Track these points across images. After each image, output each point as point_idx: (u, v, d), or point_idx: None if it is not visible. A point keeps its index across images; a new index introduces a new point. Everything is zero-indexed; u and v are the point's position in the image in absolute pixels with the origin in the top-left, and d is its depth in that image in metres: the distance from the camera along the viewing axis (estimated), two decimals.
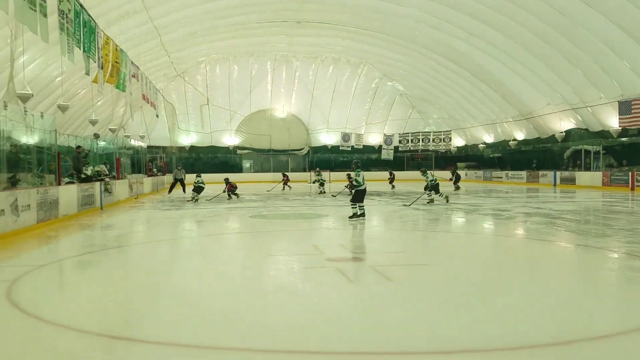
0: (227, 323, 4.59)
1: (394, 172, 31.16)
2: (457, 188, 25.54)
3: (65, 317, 4.83)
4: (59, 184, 13.67)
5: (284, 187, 28.11)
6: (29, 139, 14.77)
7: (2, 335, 4.42)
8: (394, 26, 28.74)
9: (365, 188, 12.76)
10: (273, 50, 37.00)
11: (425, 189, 17.19)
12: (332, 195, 21.67)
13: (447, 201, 17.11)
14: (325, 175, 33.35)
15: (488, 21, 24.31)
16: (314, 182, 24.94)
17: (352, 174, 13.77)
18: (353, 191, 13.15)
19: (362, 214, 12.57)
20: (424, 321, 4.62)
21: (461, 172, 42.08)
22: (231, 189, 20.80)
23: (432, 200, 16.86)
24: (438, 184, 17.14)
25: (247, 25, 29.59)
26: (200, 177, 20.16)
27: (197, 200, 19.54)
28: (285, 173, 30.42)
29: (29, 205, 10.90)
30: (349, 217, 12.66)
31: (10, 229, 9.91)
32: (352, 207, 12.71)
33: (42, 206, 11.61)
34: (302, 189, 29.24)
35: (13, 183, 12.63)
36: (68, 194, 13.68)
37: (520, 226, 12.05)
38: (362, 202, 12.64)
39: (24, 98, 14.95)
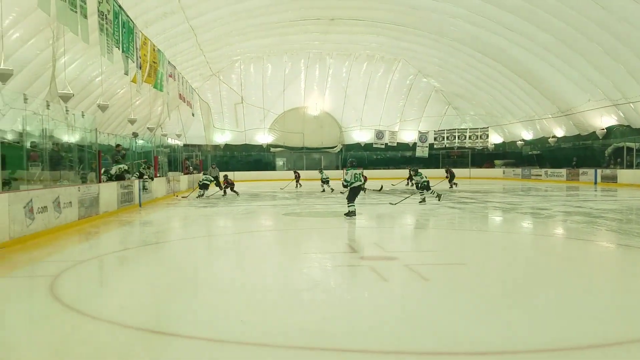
0: (262, 320, 4.61)
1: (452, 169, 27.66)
2: (452, 186, 25.08)
3: (105, 312, 4.94)
4: (100, 182, 14.01)
5: (297, 185, 28.11)
6: (70, 137, 15.19)
7: (46, 329, 4.54)
8: (429, 22, 28.38)
9: (358, 186, 12.77)
10: (306, 48, 37.06)
11: (417, 187, 16.79)
12: (341, 192, 21.30)
13: (439, 199, 16.66)
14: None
15: (526, 16, 23.73)
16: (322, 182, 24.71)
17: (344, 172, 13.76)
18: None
19: (350, 213, 12.51)
20: (461, 322, 4.54)
21: (498, 170, 41.48)
22: (228, 185, 21.30)
23: (424, 200, 16.31)
24: (428, 181, 16.80)
25: (281, 24, 29.72)
26: (206, 174, 20.90)
27: (201, 195, 20.34)
28: (297, 171, 30.32)
29: (70, 202, 11.20)
30: (344, 214, 12.65)
31: (52, 225, 10.21)
32: (348, 206, 12.64)
33: (83, 203, 11.93)
34: (338, 187, 29.19)
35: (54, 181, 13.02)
36: (108, 191, 14.01)
37: (560, 225, 11.74)
38: (351, 201, 12.62)
39: (65, 98, 15.38)
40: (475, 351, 3.85)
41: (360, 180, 12.87)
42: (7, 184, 10.87)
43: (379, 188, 20.06)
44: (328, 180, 24.67)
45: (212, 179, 22.37)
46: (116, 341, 4.17)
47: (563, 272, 6.77)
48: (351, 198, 12.68)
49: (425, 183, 16.49)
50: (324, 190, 23.89)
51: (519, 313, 4.77)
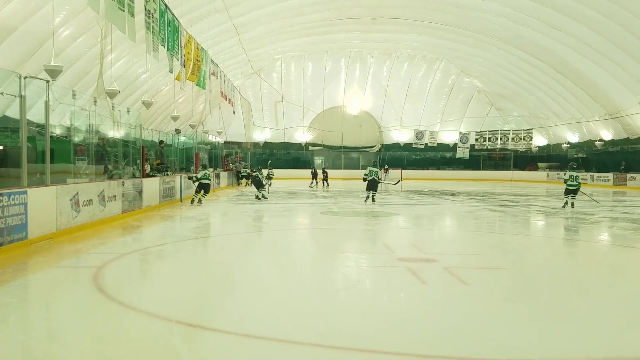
0: (298, 318, 4.63)
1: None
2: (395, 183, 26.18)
3: (145, 304, 5.06)
4: (143, 177, 14.34)
5: (324, 184, 28.09)
6: (116, 133, 15.61)
7: (88, 319, 4.68)
8: (473, 20, 27.85)
9: (372, 179, 16.87)
10: (347, 47, 36.97)
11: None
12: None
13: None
14: (397, 173, 33.12)
15: (573, 15, 22.99)
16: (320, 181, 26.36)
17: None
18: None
19: (366, 198, 17.05)
20: (498, 329, 4.44)
21: (542, 173, 40.38)
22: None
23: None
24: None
25: (322, 23, 29.72)
26: (208, 170, 16.97)
27: (199, 201, 16.22)
28: (317, 169, 30.53)
29: (114, 196, 11.52)
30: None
31: (97, 218, 10.52)
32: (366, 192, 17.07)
33: (127, 197, 12.25)
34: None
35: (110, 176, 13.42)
36: (151, 186, 14.34)
37: (606, 231, 11.33)
38: (368, 190, 17.01)
39: (112, 94, 15.77)
40: (512, 359, 3.75)
41: (376, 176, 17.11)
42: None
43: (395, 182, 22.99)
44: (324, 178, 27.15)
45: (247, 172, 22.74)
46: (154, 332, 4.25)
47: (606, 281, 6.54)
48: (367, 188, 17.08)
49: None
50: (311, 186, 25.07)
51: (558, 322, 4.62)
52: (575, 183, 15.53)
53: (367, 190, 17.05)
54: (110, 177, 13.13)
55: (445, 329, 4.41)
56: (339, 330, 4.28)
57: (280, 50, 35.36)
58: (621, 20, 21.65)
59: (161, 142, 18.31)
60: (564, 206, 15.57)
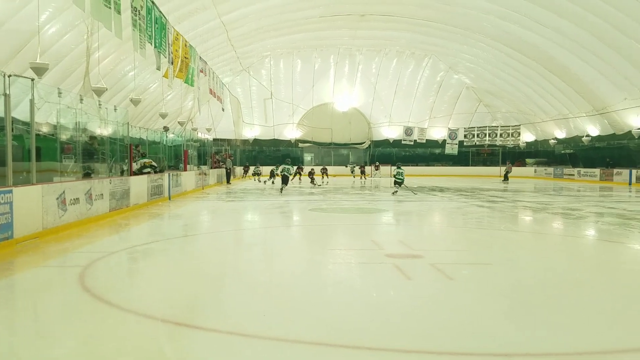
0: (284, 315, 4.65)
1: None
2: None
3: (132, 303, 5.05)
4: (130, 175, 14.28)
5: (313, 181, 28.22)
6: (103, 131, 15.51)
7: (75, 319, 4.67)
8: (461, 17, 27.95)
9: (283, 175, 20.94)
10: (336, 44, 36.97)
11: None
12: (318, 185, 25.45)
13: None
14: (386, 170, 33.37)
15: (560, 11, 23.16)
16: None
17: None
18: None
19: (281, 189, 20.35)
20: (484, 323, 4.49)
21: (530, 169, 40.74)
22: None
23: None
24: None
25: (311, 20, 29.69)
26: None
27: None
28: (301, 166, 30.86)
29: (102, 194, 11.46)
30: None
31: (84, 216, 10.47)
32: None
33: (114, 195, 12.19)
34: (368, 183, 29.18)
35: (88, 174, 13.31)
36: (139, 184, 14.28)
37: (591, 227, 11.47)
38: (282, 184, 20.96)
39: (99, 92, 15.70)
40: (498, 352, 3.80)
41: (287, 172, 20.87)
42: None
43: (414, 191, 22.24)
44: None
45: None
46: (141, 332, 4.25)
47: (591, 275, 6.63)
48: (282, 182, 21.06)
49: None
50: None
51: (543, 315, 4.68)
52: (400, 178, 19.40)
53: (281, 183, 21.10)
54: (88, 175, 13.04)
55: (430, 324, 4.45)
56: (325, 327, 4.31)
57: (269, 47, 35.29)
58: (608, 17, 21.85)
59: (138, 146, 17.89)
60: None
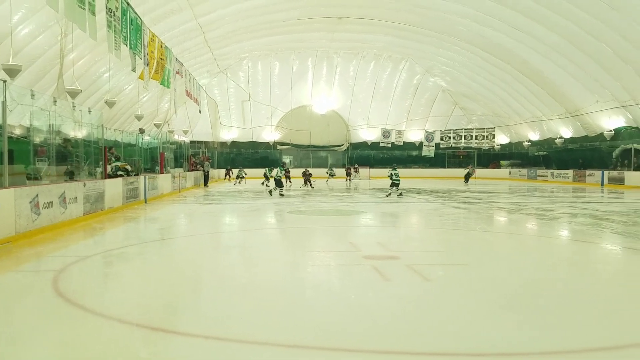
0: (262, 318, 4.64)
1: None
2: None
3: (108, 308, 4.99)
4: (105, 178, 14.09)
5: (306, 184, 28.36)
6: (77, 133, 15.28)
7: (49, 324, 4.59)
8: (437, 21, 28.29)
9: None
10: (314, 47, 37.06)
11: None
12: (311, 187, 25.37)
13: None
14: (365, 171, 33.50)
15: (534, 16, 23.61)
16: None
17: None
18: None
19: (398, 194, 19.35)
20: (460, 323, 4.55)
21: (504, 170, 41.38)
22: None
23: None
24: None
25: (289, 22, 29.72)
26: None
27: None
28: (289, 169, 30.99)
29: (76, 197, 11.29)
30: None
31: (58, 220, 10.29)
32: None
33: (88, 199, 12.01)
34: (342, 185, 29.28)
35: (71, 173, 13.08)
36: (114, 187, 14.09)
37: (564, 227, 11.69)
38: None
39: (73, 94, 15.46)
40: (474, 352, 3.86)
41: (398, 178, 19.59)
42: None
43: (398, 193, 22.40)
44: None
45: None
46: (117, 337, 4.21)
47: (565, 275, 6.76)
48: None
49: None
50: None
51: (519, 315, 4.77)
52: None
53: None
54: (71, 178, 12.84)
55: (406, 324, 4.49)
56: (305, 329, 4.32)
57: (247, 49, 35.19)
58: (580, 21, 22.34)
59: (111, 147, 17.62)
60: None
